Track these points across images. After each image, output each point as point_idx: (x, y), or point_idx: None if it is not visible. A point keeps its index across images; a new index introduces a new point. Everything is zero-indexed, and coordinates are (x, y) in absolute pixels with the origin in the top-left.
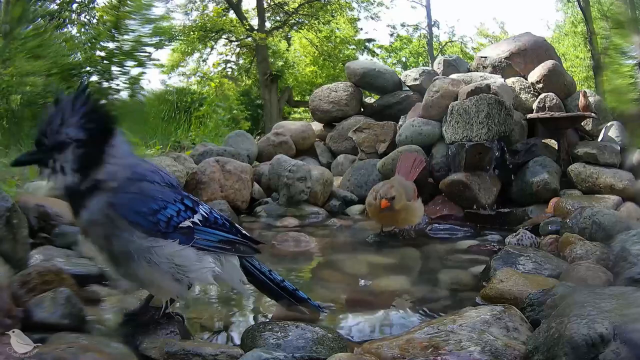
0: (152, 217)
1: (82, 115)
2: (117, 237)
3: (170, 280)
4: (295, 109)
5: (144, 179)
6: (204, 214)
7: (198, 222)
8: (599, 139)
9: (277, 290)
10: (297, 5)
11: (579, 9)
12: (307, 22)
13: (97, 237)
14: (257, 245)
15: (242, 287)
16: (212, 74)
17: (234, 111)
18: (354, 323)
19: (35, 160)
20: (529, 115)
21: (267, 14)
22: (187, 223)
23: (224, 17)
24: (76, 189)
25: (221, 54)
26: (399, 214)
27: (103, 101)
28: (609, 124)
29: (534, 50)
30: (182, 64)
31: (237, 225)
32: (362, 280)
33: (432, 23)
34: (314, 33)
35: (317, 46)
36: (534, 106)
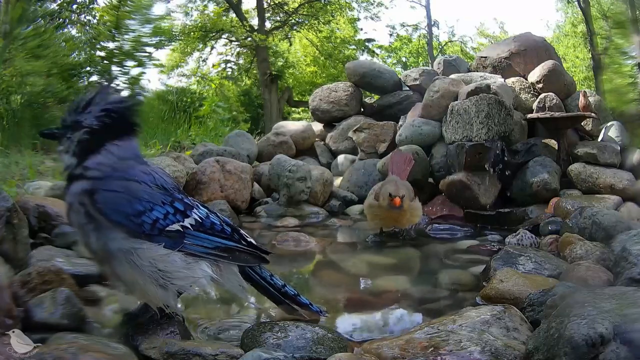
0: (136, 218)
1: (104, 109)
2: (98, 234)
3: (153, 285)
4: (295, 109)
5: (132, 178)
6: (198, 218)
7: (189, 226)
8: (599, 139)
9: (278, 295)
10: (297, 5)
11: (579, 9)
12: (307, 22)
13: (75, 225)
14: (267, 254)
15: (242, 292)
16: (212, 74)
17: (234, 112)
18: (354, 323)
19: (54, 135)
20: (529, 115)
21: (267, 14)
22: (175, 227)
23: (224, 18)
24: (70, 173)
25: (221, 54)
26: (405, 214)
27: (135, 106)
28: (609, 124)
29: (534, 50)
30: (182, 64)
31: (242, 231)
32: (362, 280)
33: (432, 23)
34: (314, 33)
35: (317, 46)
36: (534, 106)
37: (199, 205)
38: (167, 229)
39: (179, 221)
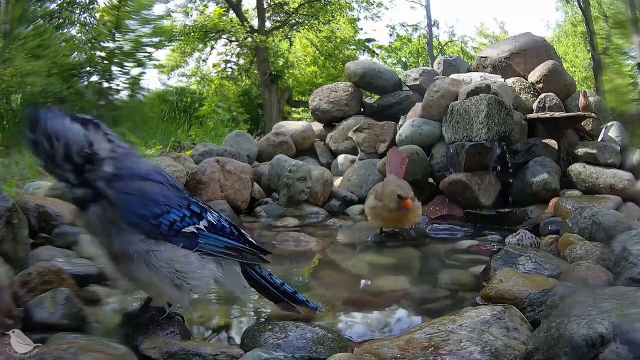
0: (154, 220)
1: (105, 134)
2: (117, 236)
3: (169, 286)
4: (295, 109)
5: (147, 178)
6: (212, 220)
7: (204, 228)
8: (599, 139)
9: (276, 293)
10: (297, 5)
11: (579, 9)
12: (307, 22)
13: (98, 233)
14: (265, 254)
15: (244, 292)
16: (212, 74)
17: (234, 112)
18: (354, 323)
19: (69, 180)
20: (529, 115)
21: (267, 14)
22: (191, 229)
23: (224, 18)
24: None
25: (221, 54)
26: (408, 214)
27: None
28: (609, 124)
29: (534, 50)
30: (182, 64)
31: (245, 233)
32: (362, 280)
33: (432, 23)
34: (314, 33)
35: (317, 46)
36: (534, 106)
37: (211, 209)
38: (183, 230)
39: (195, 223)
